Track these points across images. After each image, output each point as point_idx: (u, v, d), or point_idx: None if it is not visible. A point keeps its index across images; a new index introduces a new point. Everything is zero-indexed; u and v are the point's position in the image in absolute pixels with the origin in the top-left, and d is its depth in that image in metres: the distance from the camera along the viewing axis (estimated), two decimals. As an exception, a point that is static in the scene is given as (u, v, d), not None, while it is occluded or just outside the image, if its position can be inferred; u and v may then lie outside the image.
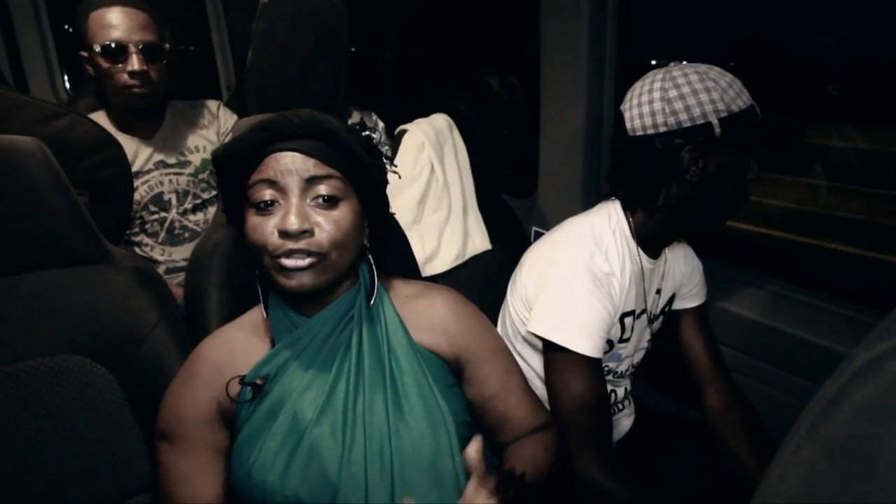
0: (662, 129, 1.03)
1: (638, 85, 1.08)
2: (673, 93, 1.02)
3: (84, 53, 1.49)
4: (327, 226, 0.82)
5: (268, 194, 0.81)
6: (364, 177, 0.87)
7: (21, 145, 0.91)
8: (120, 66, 1.45)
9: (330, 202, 0.83)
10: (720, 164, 1.03)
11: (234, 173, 0.86)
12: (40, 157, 0.92)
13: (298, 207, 0.80)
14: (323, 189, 0.82)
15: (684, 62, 1.07)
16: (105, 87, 1.51)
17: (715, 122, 1.00)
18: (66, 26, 2.29)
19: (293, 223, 0.79)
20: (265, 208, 0.81)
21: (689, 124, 1.01)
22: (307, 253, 0.80)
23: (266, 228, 0.81)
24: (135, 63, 1.45)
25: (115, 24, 1.43)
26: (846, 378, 0.27)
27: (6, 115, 1.05)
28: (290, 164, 0.81)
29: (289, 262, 0.80)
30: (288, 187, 0.81)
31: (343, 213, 0.83)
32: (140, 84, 1.47)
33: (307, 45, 1.09)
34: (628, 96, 1.10)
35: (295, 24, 1.10)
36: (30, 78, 2.26)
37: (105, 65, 1.45)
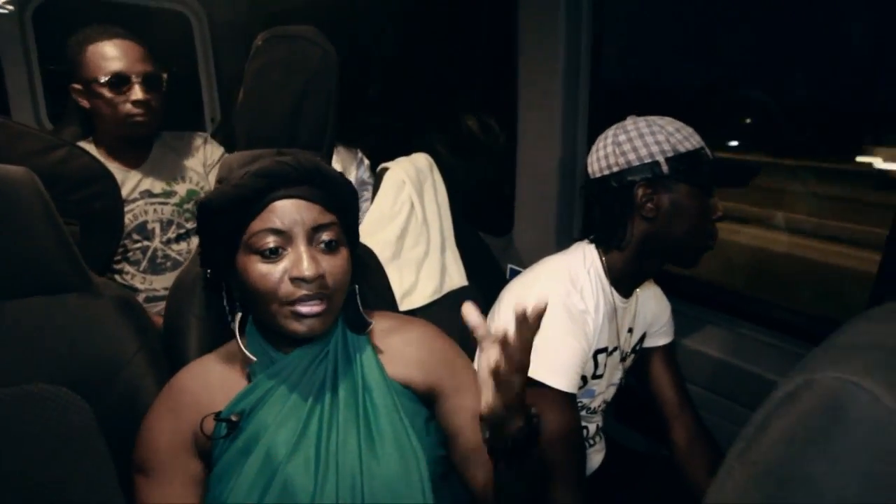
0: (615, 168, 1.13)
1: (598, 138, 1.20)
2: (622, 137, 1.13)
3: (77, 86, 1.51)
4: (333, 270, 0.84)
5: (273, 241, 0.82)
6: (353, 221, 0.92)
7: (11, 174, 0.92)
8: (123, 96, 1.49)
9: (332, 247, 0.85)
10: (673, 201, 1.11)
11: (226, 219, 0.84)
12: (30, 187, 0.94)
13: (309, 254, 0.82)
14: (325, 236, 0.85)
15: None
16: (103, 118, 1.52)
17: (661, 160, 1.10)
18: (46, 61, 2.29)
19: (309, 269, 0.80)
20: (271, 255, 0.82)
21: (637, 163, 1.11)
22: (320, 297, 0.82)
23: (275, 275, 0.81)
24: (138, 93, 1.49)
25: (117, 55, 1.48)
26: (770, 407, 0.31)
27: (5, 146, 1.06)
28: (296, 214, 0.83)
29: (305, 309, 0.82)
30: (295, 236, 0.83)
31: (343, 257, 0.87)
32: (143, 113, 1.51)
33: (298, 87, 1.13)
34: (591, 148, 1.20)
35: (287, 67, 1.14)
36: (13, 106, 2.25)
37: (108, 95, 1.48)
